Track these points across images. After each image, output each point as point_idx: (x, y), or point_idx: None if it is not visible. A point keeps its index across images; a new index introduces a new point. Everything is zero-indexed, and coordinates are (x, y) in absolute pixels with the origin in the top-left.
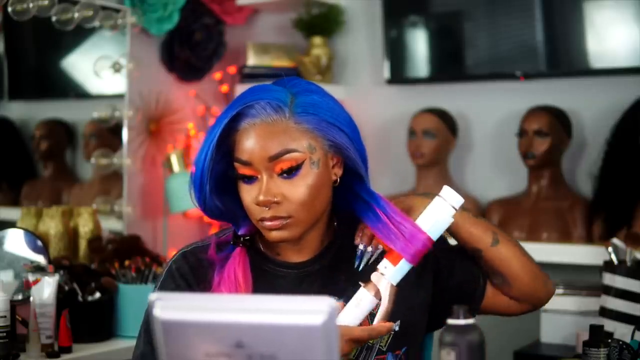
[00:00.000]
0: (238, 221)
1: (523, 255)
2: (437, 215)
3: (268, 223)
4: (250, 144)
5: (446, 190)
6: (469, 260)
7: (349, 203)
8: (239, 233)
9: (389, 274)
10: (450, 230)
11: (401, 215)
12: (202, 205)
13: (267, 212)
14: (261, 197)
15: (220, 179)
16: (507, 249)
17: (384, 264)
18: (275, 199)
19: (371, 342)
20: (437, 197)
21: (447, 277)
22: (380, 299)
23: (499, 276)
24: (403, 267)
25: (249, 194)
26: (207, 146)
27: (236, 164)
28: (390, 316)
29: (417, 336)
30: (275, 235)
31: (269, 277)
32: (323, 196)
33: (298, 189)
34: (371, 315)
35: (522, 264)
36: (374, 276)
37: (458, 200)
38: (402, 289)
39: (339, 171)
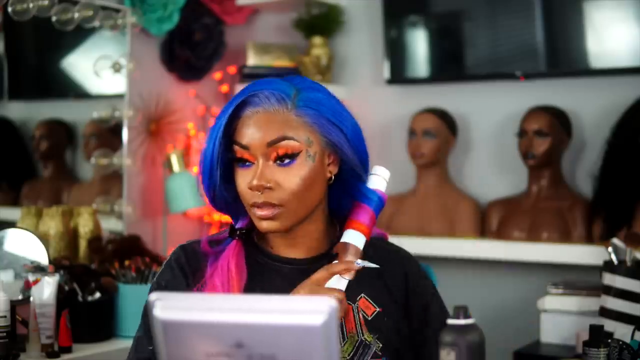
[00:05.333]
0: (238, 214)
1: None
2: (379, 184)
3: (259, 212)
4: (250, 129)
5: (378, 168)
6: None
7: (354, 198)
8: (237, 227)
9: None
10: None
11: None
12: (211, 195)
13: (259, 197)
14: (255, 182)
15: (226, 168)
16: None
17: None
18: (269, 185)
19: (368, 340)
20: (375, 175)
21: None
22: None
23: None
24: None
25: (243, 178)
26: (215, 134)
27: (235, 147)
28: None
29: (401, 357)
30: (265, 225)
31: (264, 270)
32: (316, 190)
33: (292, 178)
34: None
35: None
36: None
37: (387, 173)
38: (389, 312)
39: (334, 169)
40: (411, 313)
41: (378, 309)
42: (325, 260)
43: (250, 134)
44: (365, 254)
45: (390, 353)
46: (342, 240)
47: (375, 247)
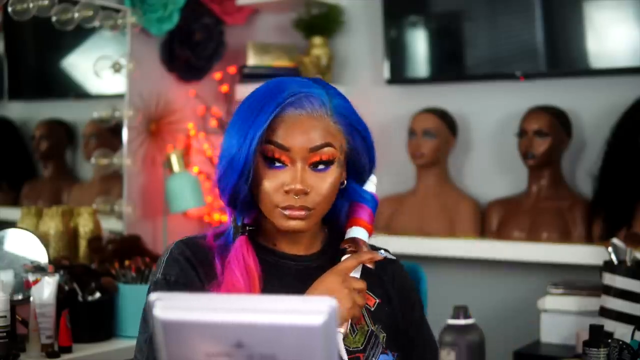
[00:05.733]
0: (245, 213)
1: None
2: (370, 188)
3: (293, 212)
4: (293, 131)
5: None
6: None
7: (350, 199)
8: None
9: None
10: None
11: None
12: (231, 192)
13: (295, 201)
14: (297, 186)
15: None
16: None
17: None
18: (308, 190)
19: (376, 332)
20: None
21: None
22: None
23: None
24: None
25: (273, 180)
26: (253, 132)
27: (270, 147)
28: (377, 317)
29: (405, 349)
30: (292, 224)
31: (273, 267)
32: (335, 194)
33: (325, 184)
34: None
35: None
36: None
37: (375, 179)
38: (387, 302)
39: (344, 175)
40: (400, 312)
41: (378, 300)
42: (326, 256)
43: (293, 136)
44: None
45: (393, 344)
46: (350, 235)
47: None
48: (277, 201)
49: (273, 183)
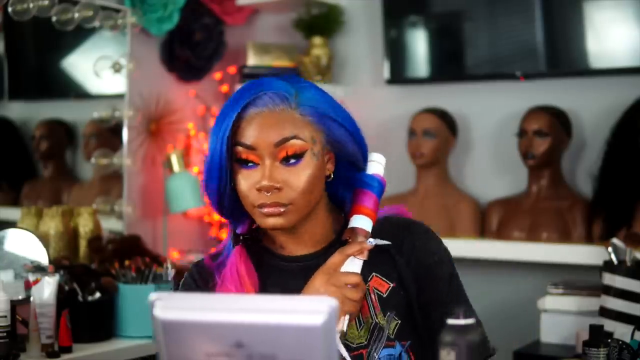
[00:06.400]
0: (239, 219)
1: None
2: (377, 170)
3: (267, 209)
4: (256, 129)
5: (374, 155)
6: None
7: (356, 187)
8: (238, 232)
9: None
10: None
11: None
12: (218, 200)
13: (267, 198)
14: (265, 182)
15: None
16: None
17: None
18: (278, 185)
19: (381, 323)
20: (372, 162)
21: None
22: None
23: None
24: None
25: (247, 180)
26: (221, 136)
27: (238, 149)
28: (389, 305)
29: (418, 334)
30: (271, 222)
31: (276, 271)
32: (319, 188)
33: (300, 177)
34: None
35: None
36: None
37: (383, 159)
38: (403, 286)
39: (331, 167)
40: (417, 290)
41: (392, 284)
42: (333, 251)
43: (257, 134)
44: (377, 231)
45: (407, 332)
46: (350, 225)
47: (385, 223)
48: (252, 200)
49: (247, 183)
